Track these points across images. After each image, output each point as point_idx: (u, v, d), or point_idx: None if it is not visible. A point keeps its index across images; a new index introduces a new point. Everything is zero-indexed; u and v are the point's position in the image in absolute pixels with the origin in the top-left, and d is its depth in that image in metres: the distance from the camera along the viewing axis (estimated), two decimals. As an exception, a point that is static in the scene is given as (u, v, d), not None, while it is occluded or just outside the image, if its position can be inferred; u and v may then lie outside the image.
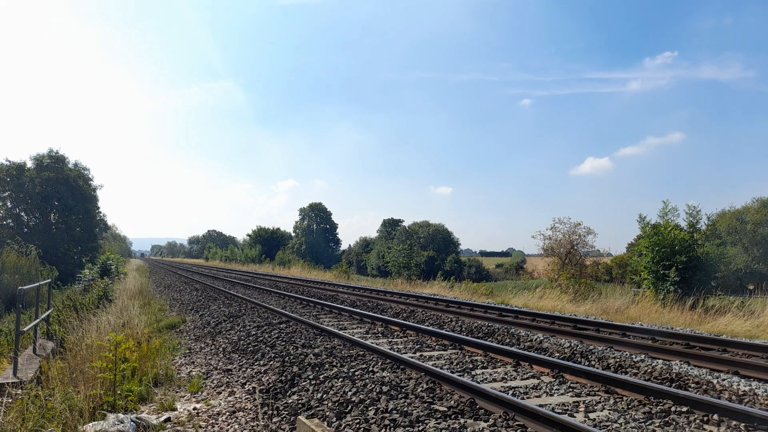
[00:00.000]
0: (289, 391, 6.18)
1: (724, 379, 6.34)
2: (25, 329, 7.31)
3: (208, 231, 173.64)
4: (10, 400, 5.46)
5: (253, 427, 5.25)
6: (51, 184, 37.16)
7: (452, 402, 5.18)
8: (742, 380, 6.30)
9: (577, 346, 8.45)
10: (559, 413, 4.82)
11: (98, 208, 43.05)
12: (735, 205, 48.03)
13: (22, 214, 38.28)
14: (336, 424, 4.87)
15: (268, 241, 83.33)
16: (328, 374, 6.54)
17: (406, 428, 4.57)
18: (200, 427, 5.36)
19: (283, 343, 8.81)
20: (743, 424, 4.41)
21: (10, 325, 11.74)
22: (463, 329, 10.37)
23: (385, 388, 5.70)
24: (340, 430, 4.72)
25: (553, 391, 5.75)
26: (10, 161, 37.22)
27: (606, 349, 8.20)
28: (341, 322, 11.46)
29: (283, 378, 6.65)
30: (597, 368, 6.77)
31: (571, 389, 5.81)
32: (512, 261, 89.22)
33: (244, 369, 7.60)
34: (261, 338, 9.51)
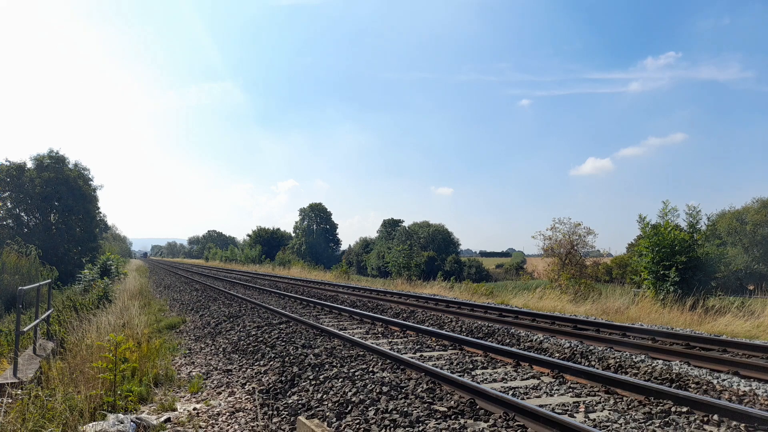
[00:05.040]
0: (289, 392, 6.19)
1: (724, 380, 6.34)
2: (25, 329, 7.32)
3: (208, 231, 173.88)
4: (10, 401, 5.46)
5: (253, 427, 5.25)
6: (51, 185, 37.17)
7: (452, 402, 5.18)
8: (742, 380, 6.30)
9: (577, 346, 8.45)
10: (559, 413, 4.83)
11: (98, 208, 43.09)
12: (735, 206, 48.12)
13: (22, 214, 38.29)
14: (336, 424, 4.87)
15: (268, 242, 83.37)
16: (328, 374, 6.55)
17: (406, 428, 4.57)
18: (200, 427, 5.36)
19: (283, 344, 8.81)
20: (743, 425, 4.41)
21: (10, 325, 11.75)
22: (463, 329, 10.37)
23: (385, 389, 5.70)
24: (340, 431, 4.73)
25: (553, 392, 5.75)
26: (10, 161, 37.24)
27: (606, 350, 8.20)
28: (341, 323, 11.46)
29: (283, 378, 6.65)
30: (597, 368, 6.77)
31: (571, 389, 5.81)
32: (512, 261, 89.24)
33: (244, 369, 7.60)
34: (261, 338, 9.52)
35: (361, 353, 7.67)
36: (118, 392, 5.99)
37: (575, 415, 4.95)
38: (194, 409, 5.97)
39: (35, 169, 37.60)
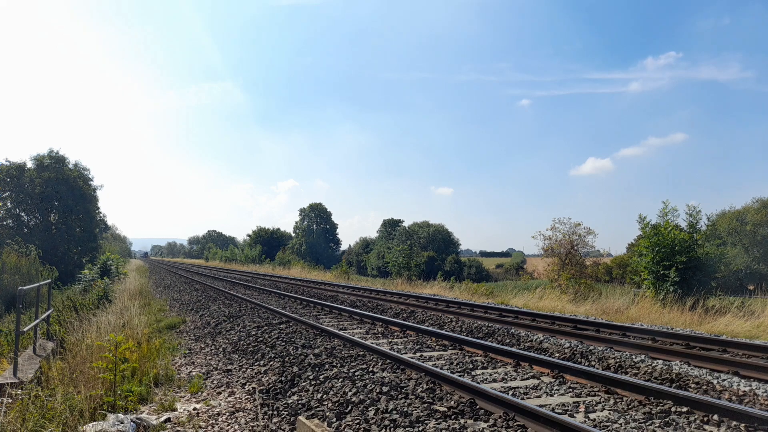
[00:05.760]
0: (289, 392, 6.19)
1: (724, 380, 6.34)
2: (25, 329, 7.32)
3: (208, 231, 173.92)
4: (10, 401, 5.46)
5: (253, 427, 5.25)
6: (51, 185, 37.15)
7: (452, 402, 5.18)
8: (742, 380, 6.30)
9: (577, 346, 8.45)
10: (559, 413, 4.82)
11: (98, 208, 43.06)
12: (735, 206, 48.05)
13: (22, 214, 38.26)
14: (336, 424, 4.87)
15: (268, 242, 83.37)
16: (328, 374, 6.55)
17: (406, 428, 4.57)
18: (200, 427, 5.36)
19: (283, 344, 8.81)
20: (743, 425, 4.41)
21: (10, 325, 11.75)
22: (463, 329, 10.37)
23: (385, 389, 5.69)
24: (340, 431, 4.73)
25: (553, 392, 5.75)
26: (10, 161, 37.23)
27: (606, 350, 8.20)
28: (341, 323, 11.46)
29: (283, 378, 6.65)
30: (597, 368, 6.77)
31: (571, 389, 5.81)
32: (512, 261, 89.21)
33: (244, 369, 7.60)
34: (261, 338, 9.51)
35: (361, 353, 7.67)
36: (118, 392, 5.99)
37: (575, 415, 4.95)
38: (194, 409, 5.97)
39: (35, 169, 37.58)
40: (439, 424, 4.62)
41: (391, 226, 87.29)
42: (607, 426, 4.60)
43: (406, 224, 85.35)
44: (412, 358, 7.32)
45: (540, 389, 5.85)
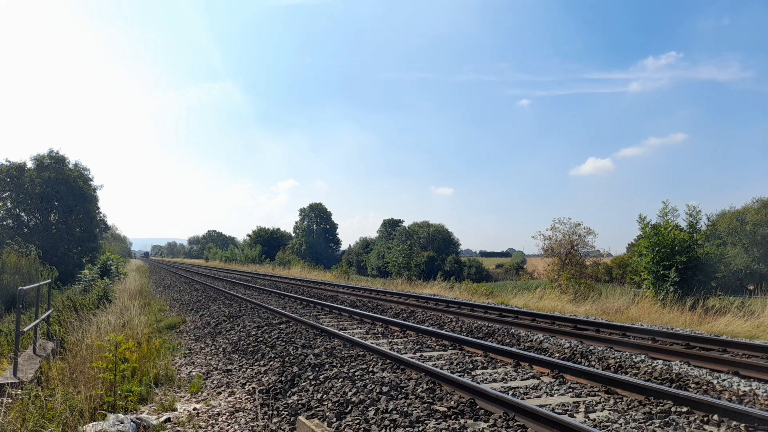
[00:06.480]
0: (289, 392, 6.19)
1: (724, 380, 6.34)
2: (25, 329, 7.32)
3: (208, 231, 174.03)
4: (10, 401, 5.46)
5: (253, 427, 5.25)
6: (51, 185, 37.16)
7: (452, 402, 5.18)
8: (742, 380, 6.30)
9: (577, 346, 8.45)
10: (559, 413, 4.83)
11: (98, 208, 43.06)
12: (735, 206, 48.08)
13: (22, 214, 38.28)
14: (336, 424, 4.87)
15: (268, 242, 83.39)
16: (328, 374, 6.55)
17: (406, 428, 4.57)
18: (200, 427, 5.36)
19: (283, 344, 8.81)
20: (743, 425, 4.41)
21: (10, 325, 11.74)
22: (463, 329, 10.37)
23: (385, 389, 5.70)
24: (340, 431, 4.73)
25: (553, 392, 5.75)
26: (10, 161, 37.25)
27: (606, 350, 8.20)
28: (341, 323, 11.46)
29: (283, 378, 6.65)
30: (597, 368, 6.77)
31: (571, 389, 5.81)
32: (512, 261, 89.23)
33: (244, 369, 7.60)
34: (261, 338, 9.52)
35: (361, 353, 7.67)
36: (118, 392, 5.99)
37: (575, 415, 4.95)
38: (194, 409, 5.97)
39: (35, 169, 37.59)
40: (439, 424, 4.62)
41: (391, 226, 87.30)
42: (607, 426, 4.60)
43: (406, 224, 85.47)
44: (412, 358, 7.32)
45: (540, 389, 5.85)
